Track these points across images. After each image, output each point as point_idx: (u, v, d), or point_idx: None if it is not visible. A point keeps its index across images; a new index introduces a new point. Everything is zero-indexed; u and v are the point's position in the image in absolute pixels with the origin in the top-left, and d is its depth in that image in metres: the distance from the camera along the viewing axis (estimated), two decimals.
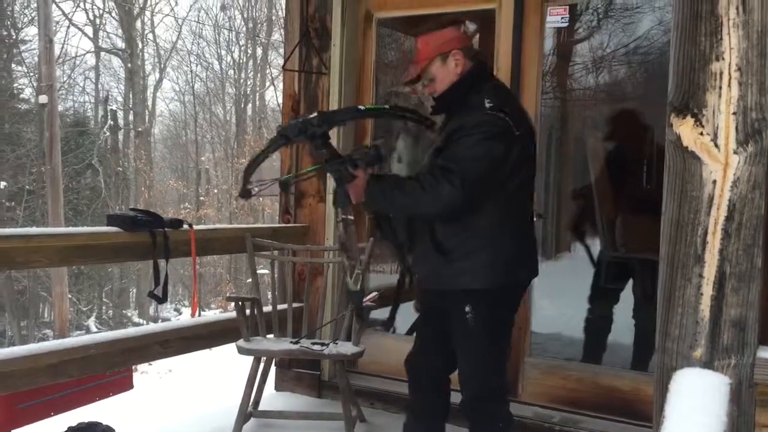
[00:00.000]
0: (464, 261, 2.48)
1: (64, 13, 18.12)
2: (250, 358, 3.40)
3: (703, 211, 1.56)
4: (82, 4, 18.46)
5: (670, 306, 1.61)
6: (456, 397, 2.66)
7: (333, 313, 3.90)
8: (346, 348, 3.39)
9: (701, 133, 1.56)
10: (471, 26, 3.32)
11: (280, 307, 3.80)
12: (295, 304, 3.74)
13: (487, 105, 2.43)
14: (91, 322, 16.39)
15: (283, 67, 4.26)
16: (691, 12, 1.56)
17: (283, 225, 4.18)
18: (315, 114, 2.40)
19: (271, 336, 3.66)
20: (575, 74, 4.38)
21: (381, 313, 3.93)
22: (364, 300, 3.25)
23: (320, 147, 2.42)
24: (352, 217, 2.42)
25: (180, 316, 18.22)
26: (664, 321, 1.63)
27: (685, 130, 1.56)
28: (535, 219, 2.76)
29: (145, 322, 16.85)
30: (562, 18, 3.55)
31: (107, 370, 3.23)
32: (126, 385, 4.42)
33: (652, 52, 4.08)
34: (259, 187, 2.61)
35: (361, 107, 2.59)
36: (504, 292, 2.55)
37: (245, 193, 2.61)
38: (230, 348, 3.75)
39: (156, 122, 22.48)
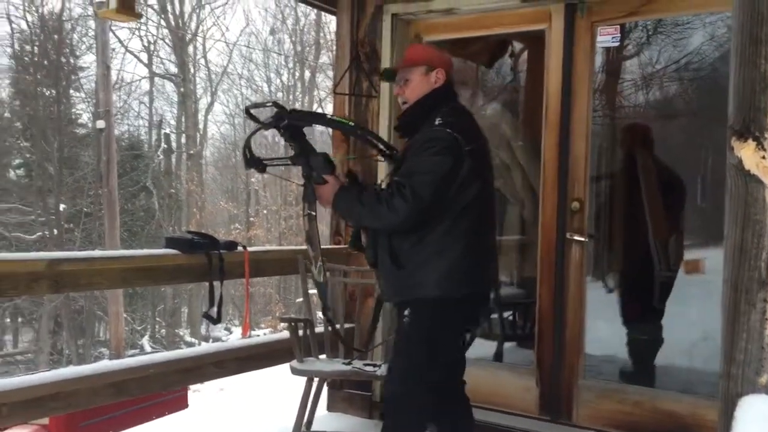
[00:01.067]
0: (416, 273, 2.59)
1: (120, 41, 18.74)
2: (301, 379, 3.43)
3: (766, 235, 1.54)
4: (137, 32, 19.04)
5: (735, 331, 1.58)
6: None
7: (384, 334, 3.91)
8: None
9: (763, 157, 1.54)
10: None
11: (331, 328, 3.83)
12: (346, 325, 3.77)
13: (437, 123, 2.57)
14: (145, 341, 16.72)
15: (333, 90, 4.33)
16: (750, 36, 1.55)
17: (334, 246, 4.23)
18: (282, 109, 2.59)
19: (323, 356, 3.69)
20: (624, 91, 4.34)
21: None
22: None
23: (288, 139, 2.63)
24: (314, 213, 2.66)
25: (230, 335, 18.43)
26: (729, 346, 1.60)
27: (746, 153, 1.55)
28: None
29: (197, 341, 17.11)
30: (612, 38, 3.54)
31: (164, 390, 3.29)
32: (181, 404, 4.51)
33: (703, 68, 4.02)
34: (270, 163, 2.76)
35: (329, 115, 2.73)
36: (451, 305, 2.60)
37: (255, 164, 2.73)
38: (280, 368, 3.79)
39: (207, 144, 22.99)
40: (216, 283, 3.38)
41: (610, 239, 4.21)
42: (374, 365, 3.42)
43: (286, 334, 3.68)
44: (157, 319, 18.66)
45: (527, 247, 4.61)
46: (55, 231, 16.50)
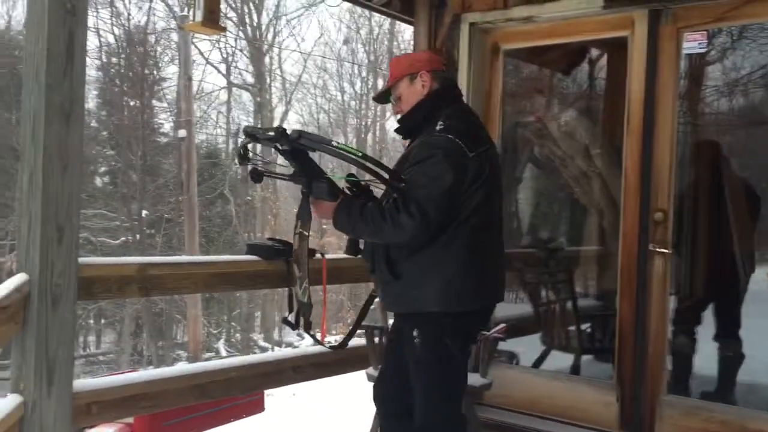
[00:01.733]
0: (416, 285, 2.48)
1: (201, 53, 19.33)
2: (364, 387, 3.44)
3: None
4: (217, 44, 19.62)
5: None
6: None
7: None
8: (474, 379, 3.37)
9: None
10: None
11: None
12: None
13: (438, 128, 2.45)
14: (221, 345, 17.13)
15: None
16: None
17: None
18: (283, 130, 2.42)
19: None
20: (708, 98, 4.21)
21: (508, 345, 3.90)
22: (492, 332, 3.26)
23: (288, 159, 2.52)
24: (307, 233, 2.57)
25: (303, 341, 18.70)
26: None
27: None
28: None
29: (270, 345, 17.42)
30: (699, 44, 3.43)
31: (245, 393, 3.37)
32: (258, 407, 4.61)
33: None
34: (267, 172, 2.67)
35: (335, 143, 2.42)
36: (455, 319, 2.48)
37: (255, 176, 2.63)
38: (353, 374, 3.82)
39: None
40: (294, 290, 3.44)
41: (694, 251, 4.08)
42: None
43: (361, 341, 3.70)
44: (233, 323, 19.09)
45: (606, 258, 4.51)
46: (138, 236, 17.13)
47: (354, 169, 2.56)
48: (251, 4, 19.87)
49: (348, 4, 7.10)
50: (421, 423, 2.56)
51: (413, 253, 2.46)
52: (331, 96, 23.46)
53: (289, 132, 2.40)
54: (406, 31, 20.44)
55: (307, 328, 2.69)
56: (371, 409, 3.62)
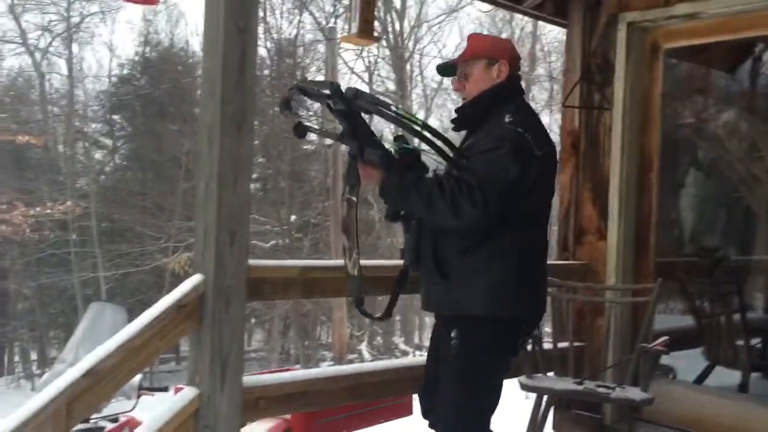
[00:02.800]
0: (462, 286, 2.31)
1: (345, 63, 19.92)
2: (513, 395, 3.39)
3: None
4: (360, 53, 20.14)
5: None
6: None
7: (616, 354, 3.76)
8: (634, 393, 3.25)
9: None
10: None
11: (560, 345, 3.76)
12: (576, 343, 3.68)
13: (507, 120, 2.28)
14: (363, 347, 17.53)
15: (563, 104, 4.26)
16: None
17: (563, 262, 4.14)
18: (338, 86, 2.23)
19: (551, 374, 3.63)
20: None
21: (670, 359, 3.71)
22: (654, 345, 3.12)
23: (340, 119, 2.29)
24: (355, 199, 2.30)
25: None
26: None
27: None
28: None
29: (411, 349, 17.60)
30: None
31: (397, 395, 3.42)
32: (406, 410, 4.65)
33: None
34: (312, 129, 2.46)
35: (395, 108, 2.27)
36: (498, 325, 2.31)
37: (299, 130, 2.40)
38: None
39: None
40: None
41: None
42: (608, 387, 3.29)
43: None
44: (375, 326, 19.47)
45: None
46: (287, 240, 17.89)
47: (407, 138, 2.39)
48: (393, 13, 20.26)
49: (491, 8, 7.07)
50: (441, 427, 2.45)
51: (465, 252, 2.30)
52: None
53: (344, 90, 2.24)
54: (549, 33, 20.03)
55: (359, 304, 2.48)
56: (518, 417, 3.58)
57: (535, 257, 2.40)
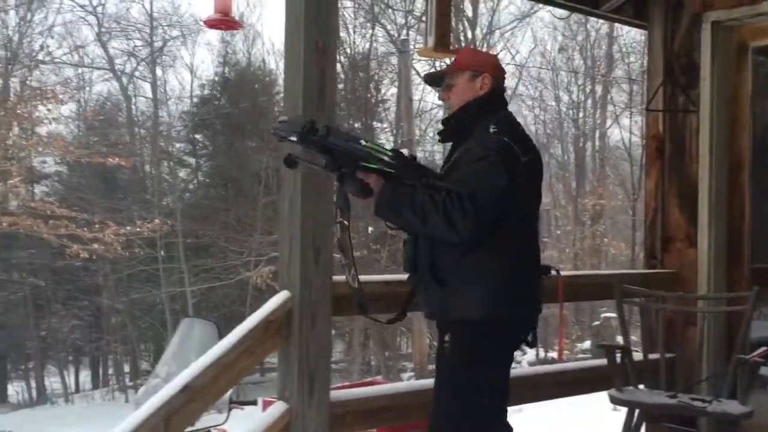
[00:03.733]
0: (458, 291, 2.34)
1: (418, 74, 19.96)
2: (601, 408, 3.30)
3: None
4: (432, 63, 20.15)
5: None
6: None
7: (710, 366, 3.62)
8: (732, 407, 3.11)
9: None
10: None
11: (651, 356, 3.65)
12: (667, 354, 3.56)
13: (492, 130, 2.35)
14: None
15: (646, 108, 4.15)
16: None
17: (651, 271, 4.03)
18: (309, 128, 2.24)
19: (641, 387, 3.52)
20: None
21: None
22: (752, 356, 2.99)
23: (317, 152, 2.31)
24: (347, 222, 2.34)
25: (524, 356, 18.45)
26: None
27: None
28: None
29: None
30: None
31: None
32: None
33: None
34: (304, 161, 2.42)
35: (363, 142, 2.28)
36: (492, 328, 2.33)
37: (289, 161, 2.41)
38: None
39: None
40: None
41: None
42: (703, 400, 3.18)
43: (602, 360, 3.58)
44: None
45: None
46: (365, 251, 18.02)
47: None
48: (465, 21, 20.19)
49: (568, 14, 6.95)
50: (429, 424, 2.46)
51: (460, 258, 2.34)
52: (546, 106, 23.07)
53: (318, 126, 2.28)
54: (627, 34, 19.54)
55: (364, 312, 2.51)
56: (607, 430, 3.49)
57: (528, 258, 2.44)
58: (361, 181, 2.30)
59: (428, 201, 2.24)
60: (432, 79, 2.71)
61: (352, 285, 2.44)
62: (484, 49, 21.32)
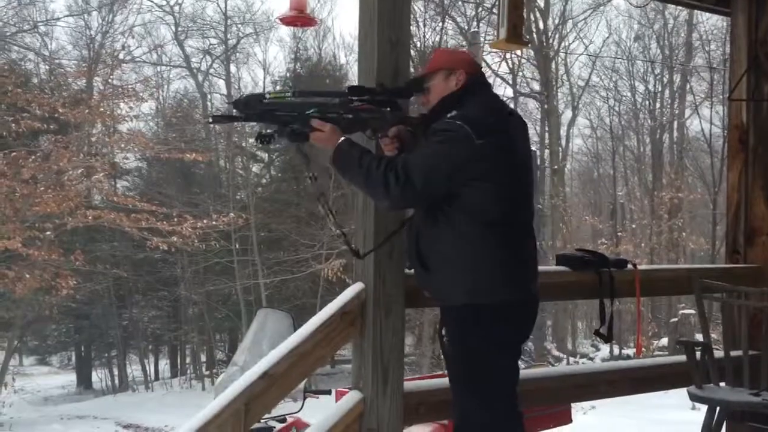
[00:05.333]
0: (438, 276, 2.46)
1: (489, 66, 19.79)
2: (681, 404, 3.22)
3: None
4: (502, 55, 19.92)
5: None
6: None
7: None
8: None
9: None
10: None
11: (733, 353, 3.53)
12: (750, 352, 3.44)
13: (449, 116, 2.41)
14: None
15: (728, 97, 4.01)
16: None
17: (734, 266, 3.90)
18: (238, 101, 2.41)
19: (723, 384, 3.42)
20: None
21: None
22: None
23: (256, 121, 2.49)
24: (315, 174, 2.55)
25: (597, 352, 18.11)
26: None
27: None
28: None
29: (564, 356, 17.15)
30: None
31: (559, 403, 3.36)
32: (565, 418, 4.55)
33: None
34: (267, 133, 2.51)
35: (267, 97, 2.44)
36: (482, 313, 2.39)
37: (218, 119, 2.70)
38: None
39: (571, 159, 23.02)
40: (606, 302, 3.36)
41: None
42: None
43: (680, 357, 3.49)
44: None
45: None
46: None
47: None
48: (536, 12, 19.86)
49: (646, 2, 6.77)
50: (456, 427, 2.53)
51: (435, 243, 2.45)
52: (621, 97, 22.48)
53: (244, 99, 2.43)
54: (707, 21, 18.83)
55: (356, 254, 2.66)
56: (685, 429, 3.40)
57: (507, 241, 2.43)
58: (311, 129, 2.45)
59: (373, 162, 2.41)
60: (414, 85, 2.70)
61: (335, 231, 2.65)
62: (555, 41, 21.00)
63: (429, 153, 2.40)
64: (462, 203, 2.39)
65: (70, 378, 23.53)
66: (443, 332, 2.58)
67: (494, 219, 2.40)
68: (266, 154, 21.28)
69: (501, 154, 2.41)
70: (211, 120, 2.68)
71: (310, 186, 2.59)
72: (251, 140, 21.86)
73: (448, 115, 2.44)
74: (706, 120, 18.59)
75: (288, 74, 21.85)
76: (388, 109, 2.58)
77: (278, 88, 21.71)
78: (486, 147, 2.36)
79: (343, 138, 2.47)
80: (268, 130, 2.48)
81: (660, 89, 21.44)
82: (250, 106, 2.41)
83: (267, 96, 2.44)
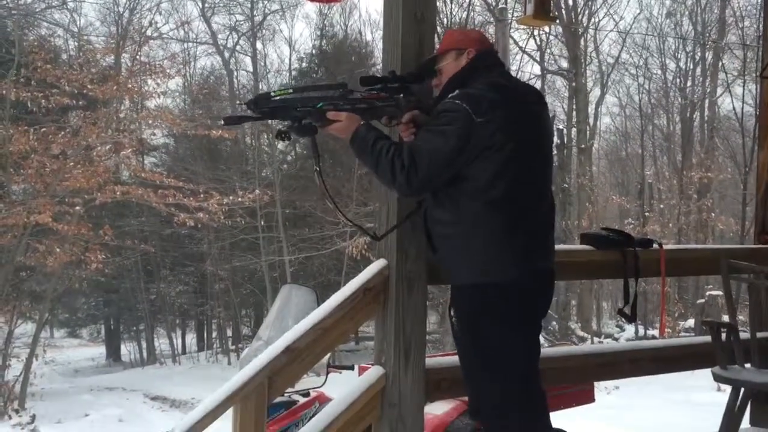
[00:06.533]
0: (445, 256, 2.47)
1: (516, 43, 19.58)
2: (706, 385, 3.20)
3: None
4: (531, 33, 19.68)
5: None
6: None
7: None
8: None
9: None
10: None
11: (759, 335, 3.50)
12: None
13: (450, 96, 2.39)
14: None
15: (761, 74, 3.92)
16: None
17: (762, 246, 3.85)
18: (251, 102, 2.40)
19: (748, 365, 3.39)
20: None
21: None
22: None
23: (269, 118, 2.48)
24: (318, 168, 2.51)
25: (623, 332, 18.01)
26: None
27: None
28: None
29: (588, 336, 17.09)
30: None
31: (582, 382, 3.36)
32: (588, 398, 4.53)
33: None
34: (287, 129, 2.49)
35: (272, 94, 2.41)
36: (490, 292, 2.38)
37: (230, 120, 2.61)
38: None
39: (599, 137, 22.74)
40: (630, 281, 3.34)
41: None
42: None
43: (705, 337, 3.47)
44: (549, 311, 19.08)
45: None
46: None
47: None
48: None
49: None
50: (472, 409, 2.57)
51: (439, 223, 2.46)
52: (651, 75, 22.11)
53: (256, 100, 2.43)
54: None
55: (375, 237, 2.72)
56: (710, 410, 3.38)
57: (512, 219, 2.39)
58: (329, 121, 2.43)
59: (384, 147, 2.39)
60: (425, 67, 2.66)
61: (347, 222, 2.65)
62: (584, 18, 20.67)
63: (429, 137, 2.38)
64: (464, 182, 2.37)
65: (100, 350, 24.02)
66: (452, 313, 2.56)
67: (497, 197, 2.36)
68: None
69: (505, 131, 2.35)
70: (223, 122, 2.67)
71: (316, 181, 2.63)
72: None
73: (450, 95, 2.42)
74: (738, 98, 18.22)
75: (314, 51, 21.81)
76: (401, 95, 2.56)
77: (303, 64, 21.72)
78: (487, 125, 2.33)
79: (361, 122, 2.46)
80: (284, 126, 2.50)
81: (691, 67, 21.08)
82: (260, 105, 2.42)
83: (273, 93, 2.44)
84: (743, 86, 17.69)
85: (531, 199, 2.46)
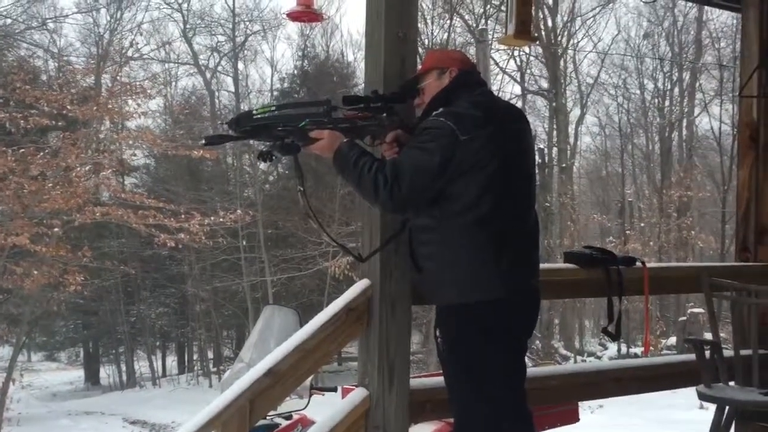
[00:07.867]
0: (427, 276, 2.46)
1: (497, 64, 19.75)
2: (689, 403, 3.19)
3: None
4: (510, 53, 19.86)
5: None
6: None
7: None
8: None
9: None
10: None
11: (743, 352, 3.50)
12: (761, 351, 3.41)
13: (434, 114, 2.40)
14: None
15: (739, 93, 3.97)
16: None
17: (744, 264, 3.87)
18: (232, 122, 2.40)
19: (732, 383, 3.39)
20: None
21: None
22: None
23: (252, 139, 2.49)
24: (303, 189, 2.51)
25: (605, 351, 18.04)
26: None
27: None
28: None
29: (571, 354, 17.10)
30: None
31: (566, 401, 3.34)
32: (573, 417, 4.51)
33: None
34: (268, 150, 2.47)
35: (255, 114, 2.40)
36: (476, 311, 2.36)
37: (211, 140, 2.58)
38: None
39: (579, 157, 22.93)
40: (614, 299, 3.34)
41: None
42: None
43: (689, 356, 3.47)
44: (534, 331, 19.06)
45: None
46: None
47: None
48: (545, 9, 19.79)
49: None
50: (459, 429, 2.52)
51: (424, 243, 2.45)
52: (630, 95, 22.38)
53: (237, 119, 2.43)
54: (717, 18, 18.73)
55: (360, 259, 2.66)
56: (693, 428, 3.37)
57: (497, 237, 2.38)
58: (312, 139, 2.43)
59: (367, 164, 2.37)
60: (408, 86, 2.65)
61: (331, 242, 2.60)
62: (564, 39, 20.91)
63: (412, 153, 2.36)
64: (448, 200, 2.36)
65: (78, 374, 23.65)
66: (437, 333, 2.54)
67: (482, 215, 2.35)
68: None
69: (489, 149, 2.35)
70: (203, 142, 2.63)
71: (300, 201, 2.59)
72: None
73: (434, 113, 2.42)
74: (715, 118, 18.52)
75: (295, 71, 21.85)
76: (384, 115, 2.55)
77: (285, 84, 21.75)
78: (472, 142, 2.33)
79: (344, 140, 2.44)
80: (266, 147, 2.48)
81: (669, 87, 21.36)
82: (242, 124, 2.40)
83: (255, 112, 2.42)
84: (720, 106, 17.97)
85: (516, 216, 2.45)
